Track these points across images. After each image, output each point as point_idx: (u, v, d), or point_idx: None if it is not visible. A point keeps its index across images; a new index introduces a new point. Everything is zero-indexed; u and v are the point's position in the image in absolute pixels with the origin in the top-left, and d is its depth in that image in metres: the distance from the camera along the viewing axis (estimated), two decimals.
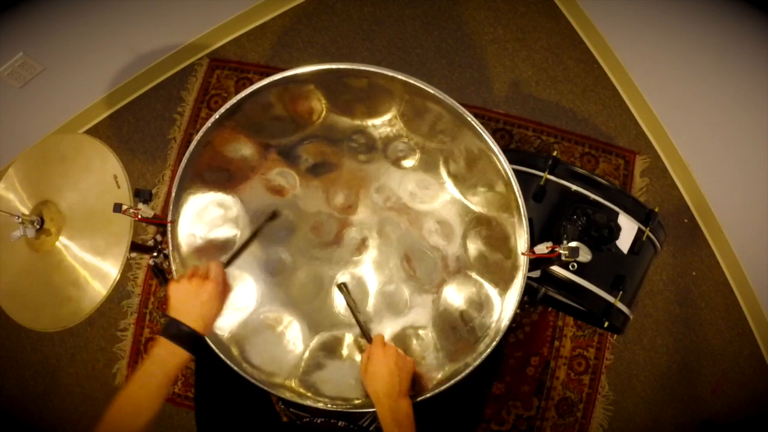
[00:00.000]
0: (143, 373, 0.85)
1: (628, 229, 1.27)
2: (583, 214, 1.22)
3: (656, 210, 1.30)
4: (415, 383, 1.08)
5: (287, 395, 1.15)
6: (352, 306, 1.13)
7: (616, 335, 1.89)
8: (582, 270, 1.21)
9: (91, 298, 1.06)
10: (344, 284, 1.24)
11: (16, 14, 1.58)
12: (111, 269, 1.06)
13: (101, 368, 1.98)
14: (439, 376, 1.13)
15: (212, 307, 0.93)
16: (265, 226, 1.21)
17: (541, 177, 1.28)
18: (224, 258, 1.15)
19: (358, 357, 1.24)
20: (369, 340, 1.07)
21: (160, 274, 1.25)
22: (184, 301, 0.91)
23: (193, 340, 0.89)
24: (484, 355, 1.06)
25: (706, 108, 1.79)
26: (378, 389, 0.99)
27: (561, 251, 1.00)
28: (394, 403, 0.97)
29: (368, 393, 1.03)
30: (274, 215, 1.24)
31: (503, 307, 1.09)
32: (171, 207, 1.10)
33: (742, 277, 1.89)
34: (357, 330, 1.27)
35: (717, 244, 1.96)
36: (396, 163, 1.23)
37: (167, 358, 0.86)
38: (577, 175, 1.28)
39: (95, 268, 1.07)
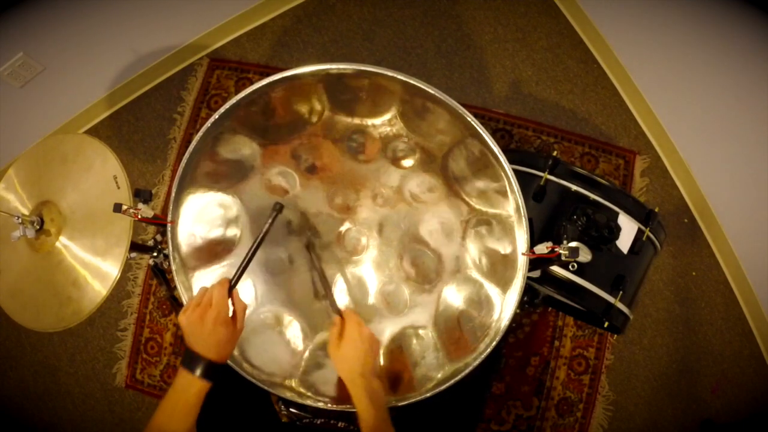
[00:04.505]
0: (167, 402, 0.88)
1: (628, 229, 1.27)
2: (583, 214, 1.22)
3: (656, 210, 1.30)
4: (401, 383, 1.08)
5: (287, 395, 1.15)
6: (320, 270, 1.04)
7: (616, 335, 1.89)
8: (582, 270, 1.21)
9: (91, 298, 1.06)
10: (310, 242, 1.12)
11: (16, 14, 1.58)
12: (111, 269, 1.06)
13: (101, 368, 1.98)
14: (439, 375, 1.13)
15: (219, 333, 0.90)
16: (270, 229, 1.11)
17: (541, 177, 1.28)
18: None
19: None
20: (338, 312, 1.02)
21: (160, 274, 1.25)
22: (194, 332, 0.90)
23: (209, 369, 0.89)
24: (484, 354, 1.06)
25: (706, 108, 1.79)
26: (354, 369, 0.98)
27: (561, 251, 1.00)
28: (368, 383, 0.97)
29: (339, 372, 1.02)
30: (278, 210, 1.12)
31: (503, 306, 1.09)
32: (171, 207, 1.10)
33: (742, 277, 1.89)
34: None
35: (717, 244, 1.96)
36: (396, 162, 1.23)
37: (186, 387, 0.87)
38: (577, 175, 1.28)
39: (95, 268, 1.07)
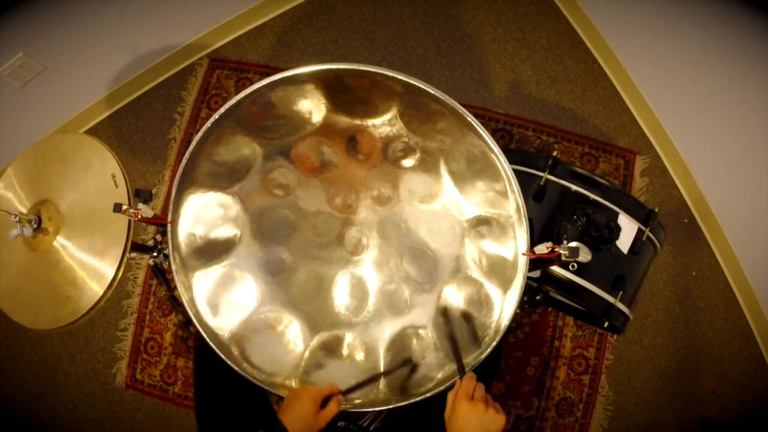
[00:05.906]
0: None
1: (628, 229, 1.27)
2: (583, 214, 1.22)
3: (656, 210, 1.29)
4: None
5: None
6: (455, 336, 1.09)
7: (616, 335, 1.89)
8: (582, 270, 1.21)
9: (89, 298, 1.06)
10: (446, 309, 1.19)
11: (16, 14, 1.58)
12: (109, 270, 1.05)
13: (101, 368, 1.98)
14: (439, 375, 1.13)
15: (312, 426, 1.04)
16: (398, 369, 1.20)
17: (541, 177, 1.28)
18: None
19: (358, 356, 1.24)
20: (461, 374, 0.99)
21: (160, 274, 1.25)
22: (300, 410, 1.03)
23: None
24: (484, 354, 1.06)
25: (706, 108, 1.79)
26: None
27: (561, 251, 1.00)
28: None
29: None
30: (407, 363, 1.21)
31: (503, 306, 1.09)
32: (171, 207, 1.10)
33: (742, 277, 1.89)
34: (358, 329, 1.27)
35: (717, 244, 1.96)
36: (396, 162, 1.23)
37: None
38: (577, 175, 1.28)
39: (93, 268, 1.07)
